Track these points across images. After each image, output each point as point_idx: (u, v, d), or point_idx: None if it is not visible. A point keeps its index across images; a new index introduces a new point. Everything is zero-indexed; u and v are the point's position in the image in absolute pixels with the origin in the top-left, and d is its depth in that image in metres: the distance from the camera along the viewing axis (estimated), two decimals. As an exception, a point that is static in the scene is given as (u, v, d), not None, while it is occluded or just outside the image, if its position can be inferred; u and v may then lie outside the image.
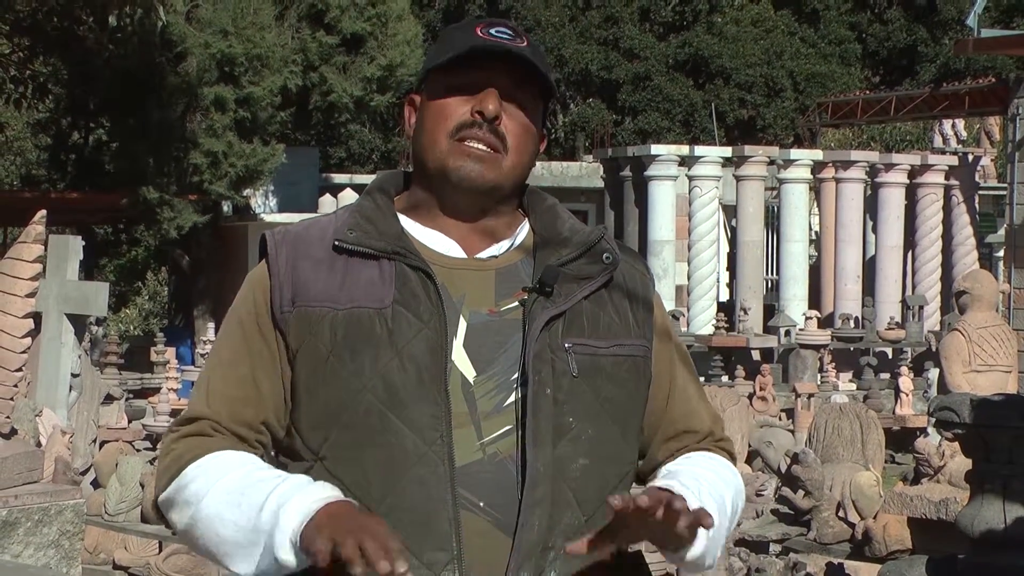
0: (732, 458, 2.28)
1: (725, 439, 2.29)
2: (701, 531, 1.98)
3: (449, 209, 2.16)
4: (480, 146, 2.11)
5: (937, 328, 21.77)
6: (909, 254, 24.44)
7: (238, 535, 2.00)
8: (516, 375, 2.07)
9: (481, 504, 2.02)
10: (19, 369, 7.12)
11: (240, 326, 2.16)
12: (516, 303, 2.12)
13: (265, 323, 2.14)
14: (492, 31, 2.14)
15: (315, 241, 2.14)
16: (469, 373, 2.06)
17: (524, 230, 2.21)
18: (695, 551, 2.03)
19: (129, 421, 14.05)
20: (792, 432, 14.17)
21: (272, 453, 2.16)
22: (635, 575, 2.17)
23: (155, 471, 2.16)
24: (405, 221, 2.18)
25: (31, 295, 7.29)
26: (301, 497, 1.95)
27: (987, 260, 25.38)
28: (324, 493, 1.96)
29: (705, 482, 2.14)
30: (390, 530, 1.84)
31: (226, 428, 2.11)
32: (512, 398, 2.06)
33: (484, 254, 2.16)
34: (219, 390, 2.14)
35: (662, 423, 2.22)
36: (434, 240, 2.16)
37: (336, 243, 2.12)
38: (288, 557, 1.93)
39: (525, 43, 2.14)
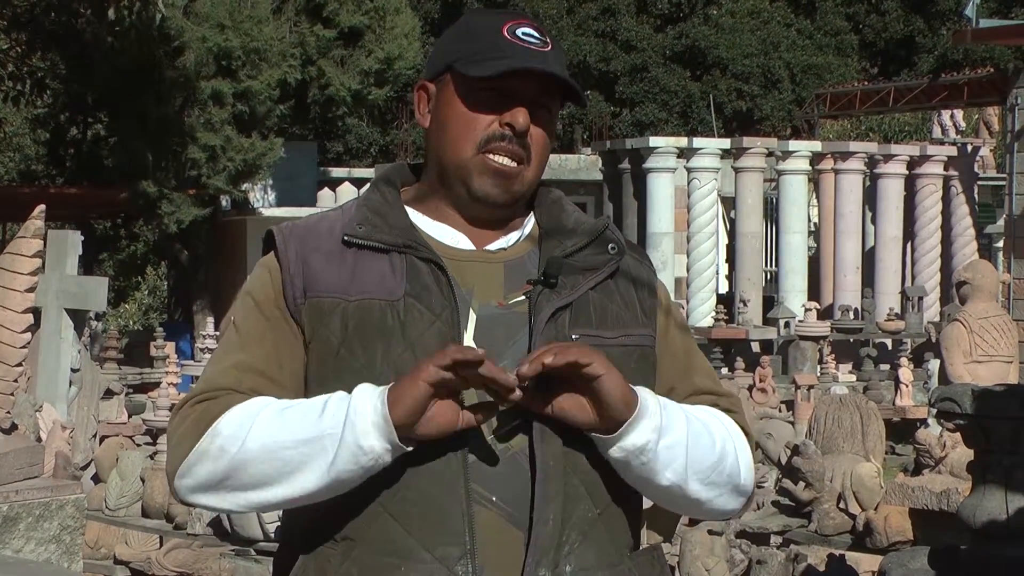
0: (745, 433, 2.20)
1: (735, 411, 2.22)
2: (644, 423, 2.00)
3: (464, 213, 2.15)
4: (506, 160, 2.10)
5: (937, 319, 21.75)
6: (908, 245, 24.41)
7: (300, 450, 1.97)
8: None
9: (494, 499, 2.01)
10: (19, 364, 7.08)
11: (258, 308, 2.12)
12: (523, 296, 2.11)
13: (283, 308, 2.11)
14: (520, 33, 2.12)
15: (324, 235, 2.13)
16: None
17: (531, 222, 2.21)
18: (632, 440, 2.01)
19: (129, 416, 14.03)
20: (792, 424, 14.12)
21: None
22: (651, 569, 2.16)
23: (170, 443, 2.07)
24: (412, 213, 2.17)
25: (31, 290, 7.25)
26: (361, 392, 1.97)
27: (986, 250, 25.36)
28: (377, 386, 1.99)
29: (684, 408, 2.11)
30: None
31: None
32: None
33: (493, 246, 2.16)
34: (239, 365, 2.09)
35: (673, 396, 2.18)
36: (442, 233, 2.15)
37: (346, 237, 2.11)
38: (373, 442, 1.94)
39: (550, 45, 2.13)
